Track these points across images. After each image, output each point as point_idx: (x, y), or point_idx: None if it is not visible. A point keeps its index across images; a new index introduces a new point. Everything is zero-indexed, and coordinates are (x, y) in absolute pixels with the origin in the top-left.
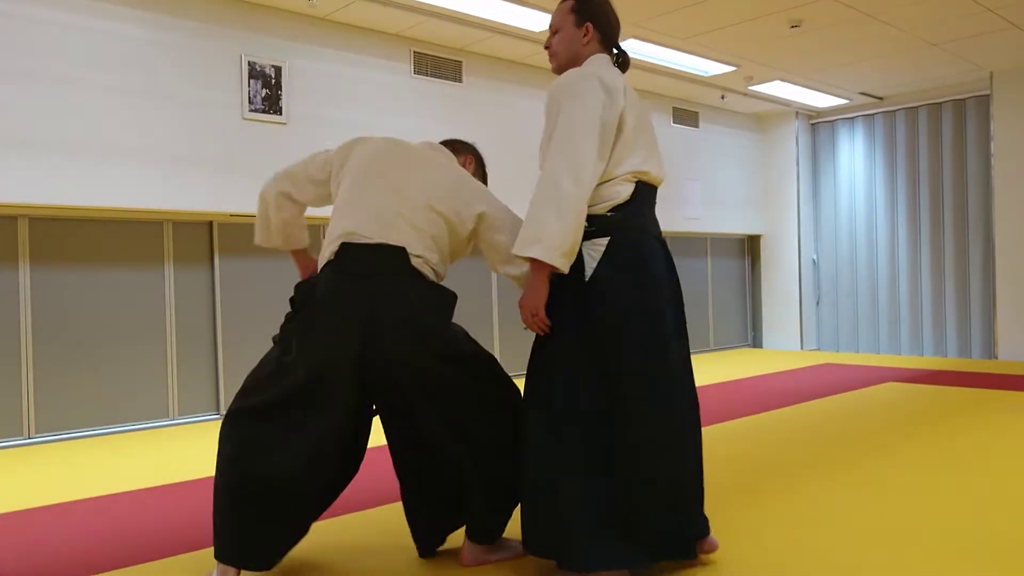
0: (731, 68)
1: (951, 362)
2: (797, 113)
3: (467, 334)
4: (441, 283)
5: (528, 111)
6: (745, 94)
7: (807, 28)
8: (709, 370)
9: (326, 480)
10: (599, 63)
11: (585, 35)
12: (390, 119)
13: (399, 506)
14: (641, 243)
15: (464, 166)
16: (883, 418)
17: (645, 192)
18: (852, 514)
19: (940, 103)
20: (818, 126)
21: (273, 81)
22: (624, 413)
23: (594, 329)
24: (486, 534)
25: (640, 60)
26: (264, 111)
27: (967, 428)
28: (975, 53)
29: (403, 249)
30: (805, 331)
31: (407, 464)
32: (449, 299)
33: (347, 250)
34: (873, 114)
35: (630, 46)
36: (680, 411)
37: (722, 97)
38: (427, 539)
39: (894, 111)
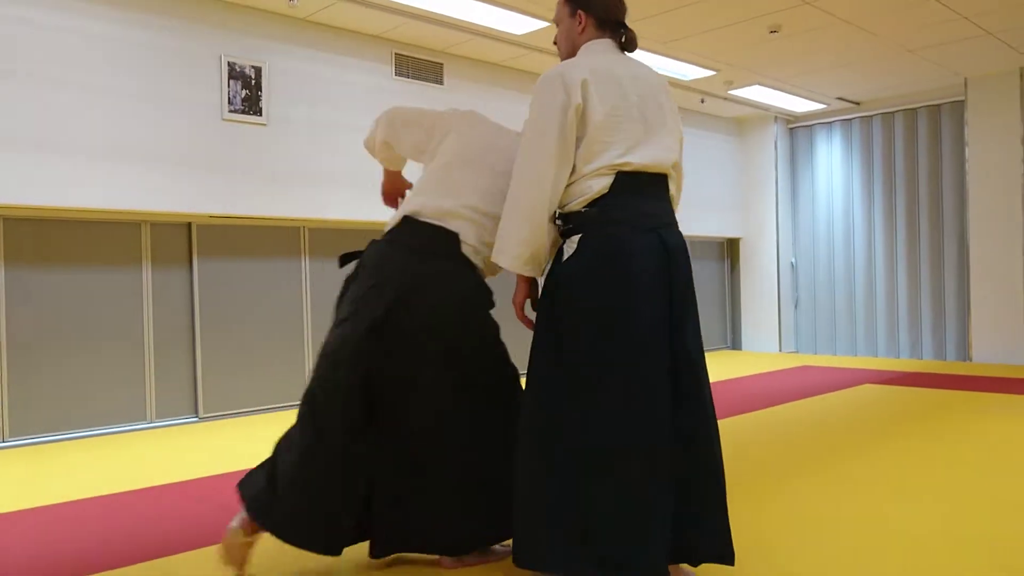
0: (711, 72)
1: (926, 364)
2: (776, 117)
3: (497, 337)
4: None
5: (510, 114)
6: (725, 98)
7: (786, 33)
8: None
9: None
10: (592, 50)
11: (579, 23)
12: (371, 121)
13: None
14: (616, 237)
15: None
16: (860, 419)
17: (630, 183)
18: (831, 513)
19: (916, 108)
20: (796, 130)
21: (253, 82)
22: (572, 415)
23: (556, 327)
24: (451, 547)
25: None
26: (244, 112)
27: (942, 429)
28: (950, 59)
29: (456, 235)
30: (784, 333)
31: (380, 452)
32: (485, 293)
33: (407, 224)
34: (850, 119)
35: None
36: (636, 417)
37: (702, 101)
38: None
39: (871, 116)
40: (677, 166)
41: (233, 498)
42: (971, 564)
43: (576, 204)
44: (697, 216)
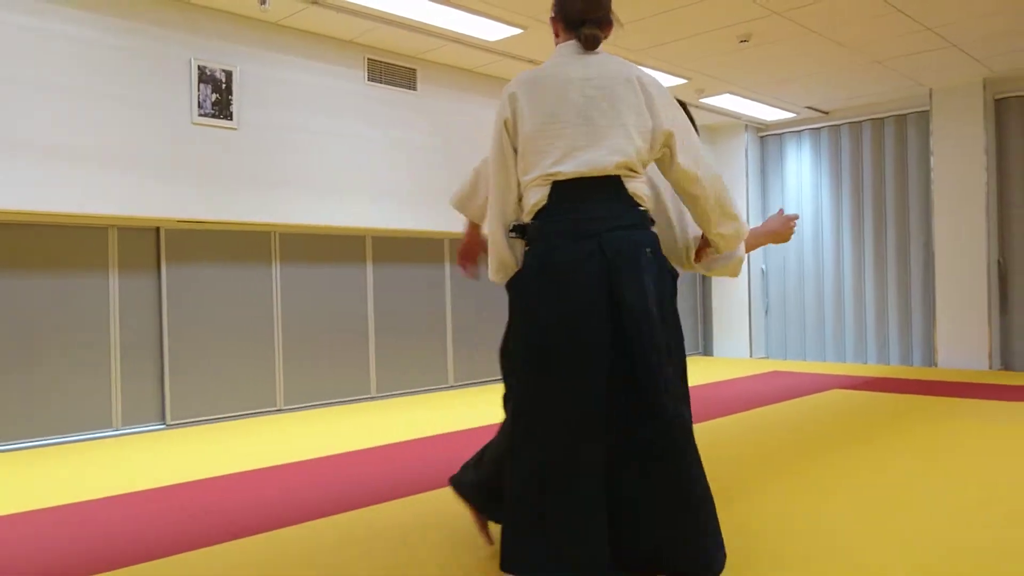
0: (682, 80)
1: (893, 369)
2: (747, 126)
3: None
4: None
5: (483, 120)
6: (696, 106)
7: (756, 43)
8: None
9: None
10: (555, 54)
11: (554, 30)
12: (343, 126)
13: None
14: (549, 248)
15: None
16: (830, 424)
17: (569, 191)
18: (803, 515)
19: (883, 118)
20: (767, 139)
21: (224, 86)
22: (518, 426)
23: (511, 338)
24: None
25: None
26: (214, 116)
27: (908, 433)
28: (915, 71)
29: None
30: (754, 340)
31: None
32: None
33: None
34: (819, 128)
35: None
36: (566, 430)
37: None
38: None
39: (839, 125)
40: (635, 164)
41: (194, 503)
42: (943, 567)
43: (526, 215)
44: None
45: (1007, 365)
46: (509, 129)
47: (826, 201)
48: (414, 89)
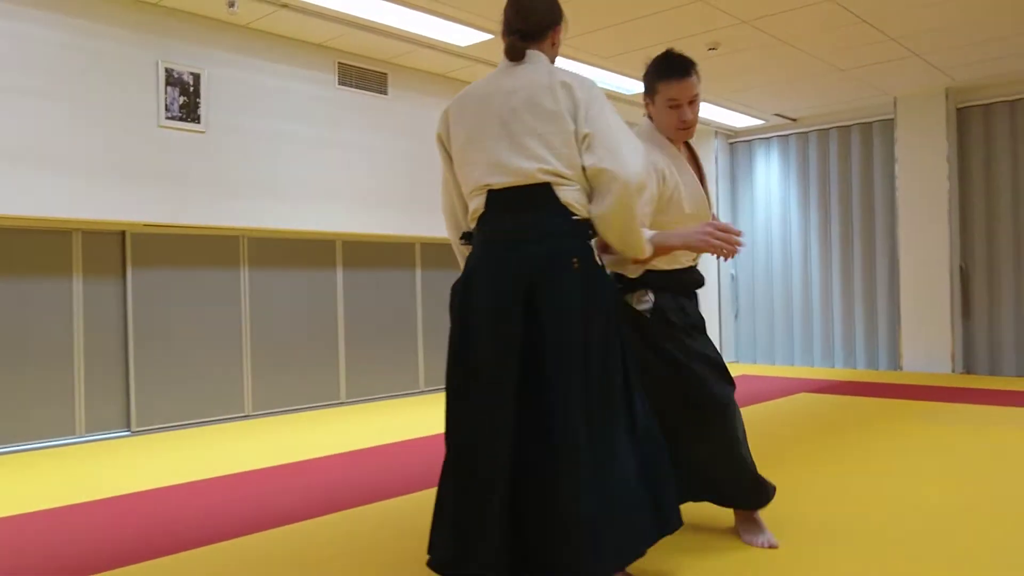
0: None
1: (860, 373)
2: (716, 132)
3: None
4: None
5: None
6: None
7: (724, 51)
8: None
9: None
10: (498, 67)
11: None
12: (314, 130)
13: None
14: (475, 255)
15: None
16: (797, 427)
17: (498, 201)
18: (772, 516)
19: (849, 126)
20: (736, 145)
21: (191, 89)
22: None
23: None
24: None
25: None
26: (182, 119)
27: (875, 436)
28: (880, 79)
29: None
30: (724, 344)
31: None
32: None
33: None
34: (787, 135)
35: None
36: (475, 415)
37: (644, 116)
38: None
39: (807, 132)
40: (563, 172)
41: (161, 513)
42: (910, 567)
43: (470, 222)
44: None
45: (969, 369)
46: (444, 143)
47: (794, 207)
48: (385, 93)
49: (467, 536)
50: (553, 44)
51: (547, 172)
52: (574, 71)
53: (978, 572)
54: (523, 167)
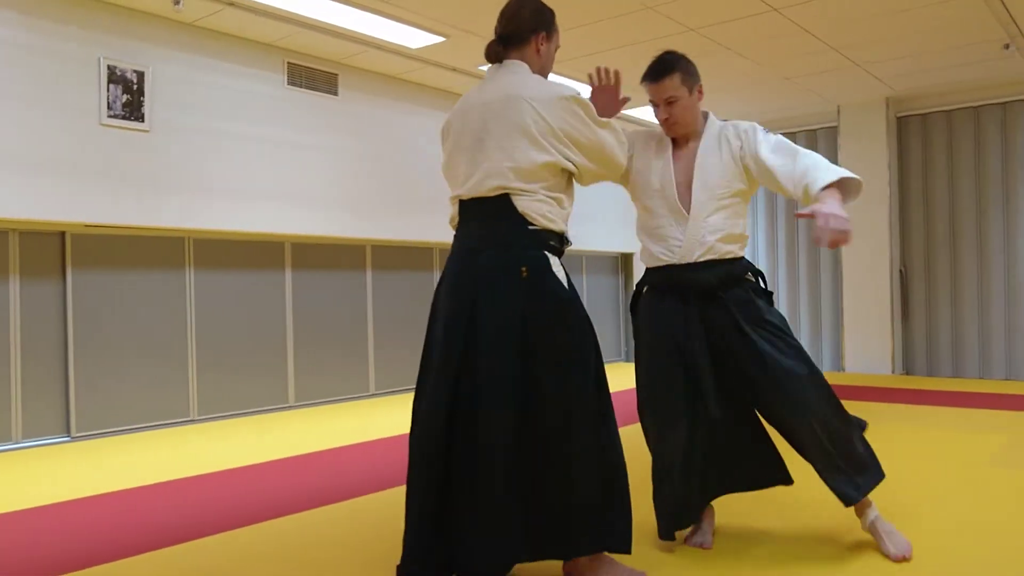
0: None
1: None
2: None
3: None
4: None
5: (405, 126)
6: (619, 118)
7: None
8: None
9: None
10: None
11: None
12: (262, 130)
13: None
14: (448, 261)
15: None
16: None
17: (468, 209)
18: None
19: (795, 132)
20: None
21: (135, 87)
22: None
23: None
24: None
25: None
26: (125, 117)
27: None
28: (823, 88)
29: None
30: None
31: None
32: None
33: None
34: None
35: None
36: (422, 416)
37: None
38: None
39: None
40: (522, 185)
41: (100, 521)
42: (853, 560)
43: (453, 231)
44: (592, 231)
45: (908, 370)
46: (443, 150)
47: None
48: (335, 94)
49: (409, 533)
50: (538, 52)
51: (507, 184)
52: (552, 87)
53: (916, 567)
54: (486, 180)
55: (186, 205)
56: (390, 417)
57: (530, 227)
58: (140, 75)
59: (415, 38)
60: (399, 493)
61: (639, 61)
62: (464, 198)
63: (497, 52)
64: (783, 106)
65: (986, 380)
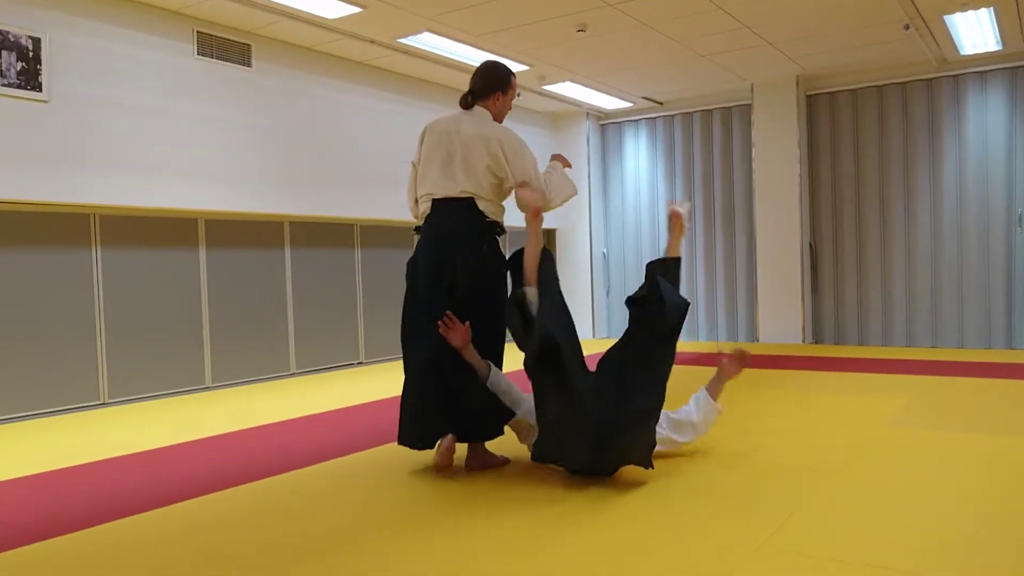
0: (525, 67)
1: (721, 345)
2: (588, 113)
3: None
4: None
5: (321, 99)
6: (539, 93)
7: (592, 33)
8: (505, 358)
9: None
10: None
11: None
12: (171, 102)
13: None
14: (421, 243)
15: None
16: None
17: (437, 206)
18: (638, 476)
19: (711, 110)
20: (607, 127)
21: (31, 54)
22: None
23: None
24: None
25: (436, 54)
26: (20, 86)
27: (733, 400)
28: (737, 66)
29: None
30: (597, 320)
31: None
32: None
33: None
34: (655, 117)
35: (425, 40)
36: (413, 355)
37: (517, 95)
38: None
39: (673, 115)
40: (483, 193)
41: (6, 506)
42: (766, 521)
43: (420, 218)
44: (515, 208)
45: (817, 339)
46: (417, 150)
47: (661, 188)
48: (249, 66)
49: (414, 418)
50: (496, 103)
51: (471, 191)
52: (503, 132)
53: (845, 517)
54: (456, 186)
55: (89, 180)
56: (315, 395)
57: (486, 219)
58: (36, 42)
59: (331, 8)
60: (307, 474)
61: (563, 36)
62: (438, 197)
63: (469, 101)
64: (700, 84)
65: (888, 348)
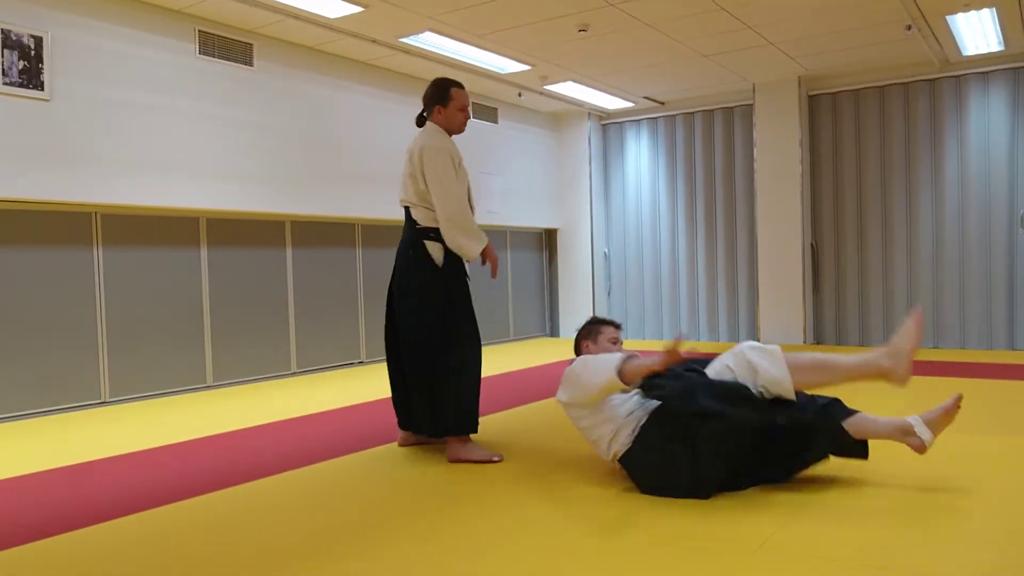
0: (526, 67)
1: (722, 346)
2: (589, 113)
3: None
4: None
5: (322, 99)
6: (541, 93)
7: (594, 33)
8: (508, 359)
9: None
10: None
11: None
12: (172, 101)
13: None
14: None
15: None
16: None
17: (405, 212)
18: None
19: (713, 110)
20: (608, 126)
21: (33, 53)
22: None
23: None
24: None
25: (438, 54)
26: (22, 85)
27: None
28: (739, 66)
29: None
30: None
31: None
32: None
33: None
34: (656, 117)
35: (427, 39)
36: (394, 344)
37: (519, 95)
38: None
39: (674, 116)
40: (412, 200)
41: (6, 505)
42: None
43: None
44: (517, 208)
45: (819, 339)
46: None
47: (663, 187)
48: (250, 65)
49: (399, 409)
50: (438, 115)
51: (406, 199)
52: (429, 141)
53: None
54: (402, 195)
55: (92, 179)
56: (311, 396)
57: (417, 226)
58: (38, 40)
59: (333, 7)
60: (307, 473)
61: (565, 36)
62: (402, 204)
63: (421, 119)
64: (702, 84)
65: None
